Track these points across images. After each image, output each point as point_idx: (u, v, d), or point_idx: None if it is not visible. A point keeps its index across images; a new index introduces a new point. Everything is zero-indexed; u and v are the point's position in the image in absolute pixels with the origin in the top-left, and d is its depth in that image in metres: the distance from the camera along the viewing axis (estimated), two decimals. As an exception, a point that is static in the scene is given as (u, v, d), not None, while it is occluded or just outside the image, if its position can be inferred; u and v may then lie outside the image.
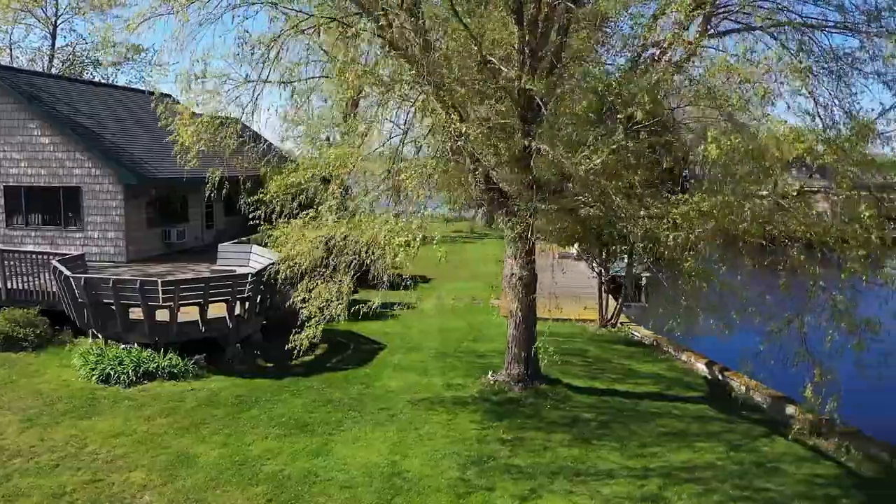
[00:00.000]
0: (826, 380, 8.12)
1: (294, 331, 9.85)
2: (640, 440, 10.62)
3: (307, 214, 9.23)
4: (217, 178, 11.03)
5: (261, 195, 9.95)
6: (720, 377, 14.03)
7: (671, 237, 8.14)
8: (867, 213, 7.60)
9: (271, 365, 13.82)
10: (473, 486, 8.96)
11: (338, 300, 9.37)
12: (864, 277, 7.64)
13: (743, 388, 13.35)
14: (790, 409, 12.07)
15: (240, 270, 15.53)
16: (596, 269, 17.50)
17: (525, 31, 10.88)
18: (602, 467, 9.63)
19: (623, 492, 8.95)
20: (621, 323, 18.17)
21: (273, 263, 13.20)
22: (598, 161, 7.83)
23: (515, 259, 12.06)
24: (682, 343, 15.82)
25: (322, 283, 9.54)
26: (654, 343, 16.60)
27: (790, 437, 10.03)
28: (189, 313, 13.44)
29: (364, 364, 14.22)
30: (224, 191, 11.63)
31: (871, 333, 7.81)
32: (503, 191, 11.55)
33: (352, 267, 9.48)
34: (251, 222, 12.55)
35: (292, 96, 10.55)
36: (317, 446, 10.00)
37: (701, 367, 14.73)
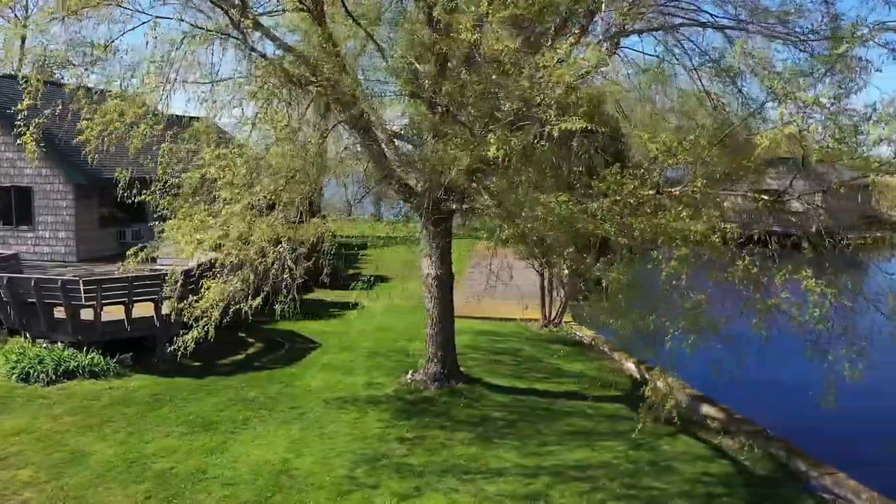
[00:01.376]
0: (667, 378, 8.22)
1: (181, 332, 9.93)
2: (542, 439, 10.68)
3: (183, 216, 9.28)
4: (128, 178, 11.05)
5: (145, 195, 10.00)
6: (647, 376, 14.07)
7: (532, 235, 8.25)
8: (685, 213, 7.64)
9: (198, 364, 13.86)
10: (359, 484, 9.01)
11: (223, 301, 9.36)
12: (683, 275, 7.67)
13: (663, 388, 13.39)
14: (705, 409, 12.15)
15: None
16: (537, 269, 17.53)
17: (435, 33, 10.95)
18: (494, 466, 9.68)
19: (508, 490, 9.00)
20: (565, 322, 18.23)
21: (210, 262, 13.32)
22: (467, 161, 7.88)
23: (431, 259, 12.12)
24: (616, 342, 15.90)
25: (215, 283, 9.57)
26: (592, 343, 16.65)
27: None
28: (118, 312, 13.52)
29: (292, 363, 14.29)
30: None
31: (711, 332, 7.86)
32: (417, 192, 11.60)
33: (248, 268, 9.50)
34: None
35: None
36: (215, 444, 10.06)
37: (630, 366, 14.79)
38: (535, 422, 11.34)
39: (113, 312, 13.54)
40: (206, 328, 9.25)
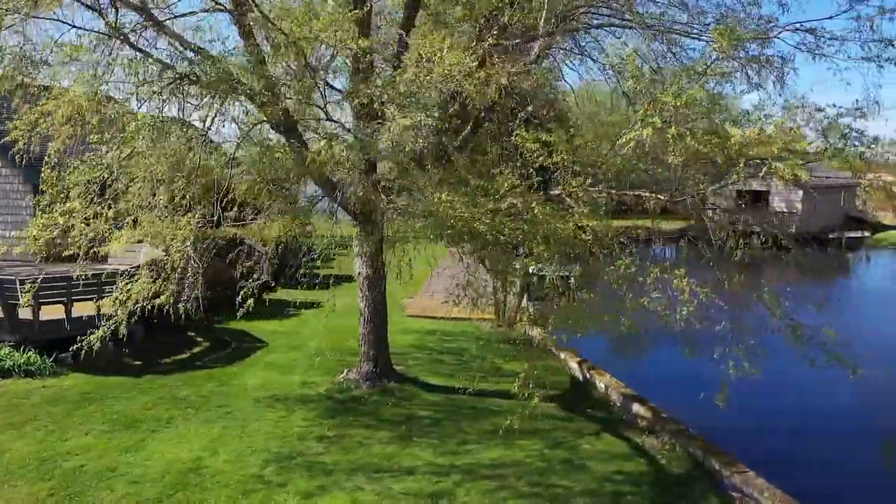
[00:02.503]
0: (533, 376, 8.31)
1: (88, 331, 9.99)
2: (463, 437, 10.71)
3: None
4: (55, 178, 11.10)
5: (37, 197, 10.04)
6: (587, 376, 14.12)
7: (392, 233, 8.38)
8: (538, 210, 7.66)
9: (139, 363, 13.93)
10: (266, 482, 9.05)
11: (132, 300, 9.41)
12: (538, 270, 7.71)
13: (603, 386, 13.46)
14: (636, 408, 12.17)
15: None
16: (487, 268, 17.50)
17: (359, 31, 10.99)
18: (407, 464, 9.72)
19: (415, 488, 9.04)
20: (520, 322, 18.22)
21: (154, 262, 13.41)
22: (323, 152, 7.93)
23: (362, 258, 12.16)
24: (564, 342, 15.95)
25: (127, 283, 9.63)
26: (541, 342, 16.65)
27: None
28: (58, 312, 13.60)
29: (235, 362, 14.34)
30: None
31: (579, 330, 7.90)
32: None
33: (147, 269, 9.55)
34: None
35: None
36: (133, 443, 10.11)
37: (574, 365, 14.82)
38: (459, 420, 11.38)
39: (49, 312, 13.61)
40: (113, 327, 9.30)
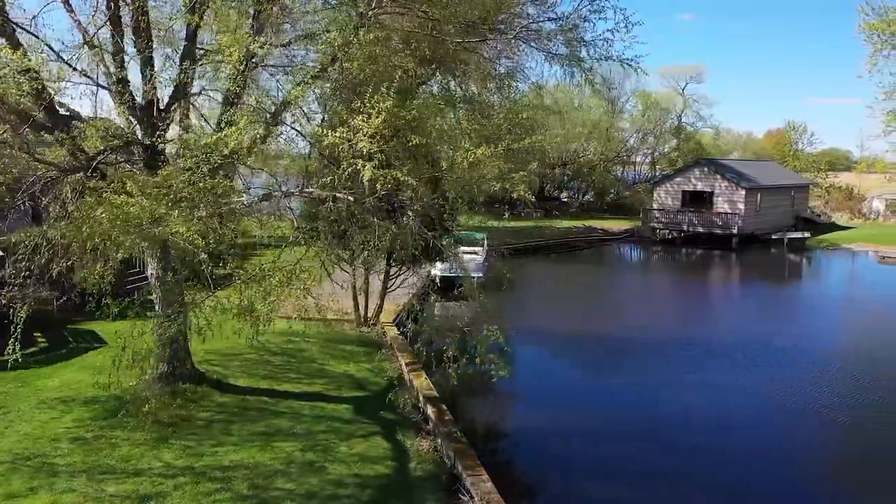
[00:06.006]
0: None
1: None
2: (223, 440, 10.59)
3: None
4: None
5: None
6: (410, 379, 13.97)
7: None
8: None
9: (-45, 364, 13.83)
10: (-21, 483, 8.96)
11: None
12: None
13: (415, 388, 13.32)
14: (430, 410, 12.02)
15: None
16: (349, 270, 17.39)
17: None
18: (143, 466, 9.62)
19: (130, 490, 8.94)
20: (381, 323, 18.09)
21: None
22: None
23: (156, 260, 12.05)
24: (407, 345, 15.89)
25: None
26: (390, 344, 16.51)
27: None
28: None
29: (56, 362, 14.24)
30: None
31: None
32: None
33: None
34: None
35: None
36: None
37: (404, 367, 14.67)
38: (233, 423, 11.26)
39: None
40: None
